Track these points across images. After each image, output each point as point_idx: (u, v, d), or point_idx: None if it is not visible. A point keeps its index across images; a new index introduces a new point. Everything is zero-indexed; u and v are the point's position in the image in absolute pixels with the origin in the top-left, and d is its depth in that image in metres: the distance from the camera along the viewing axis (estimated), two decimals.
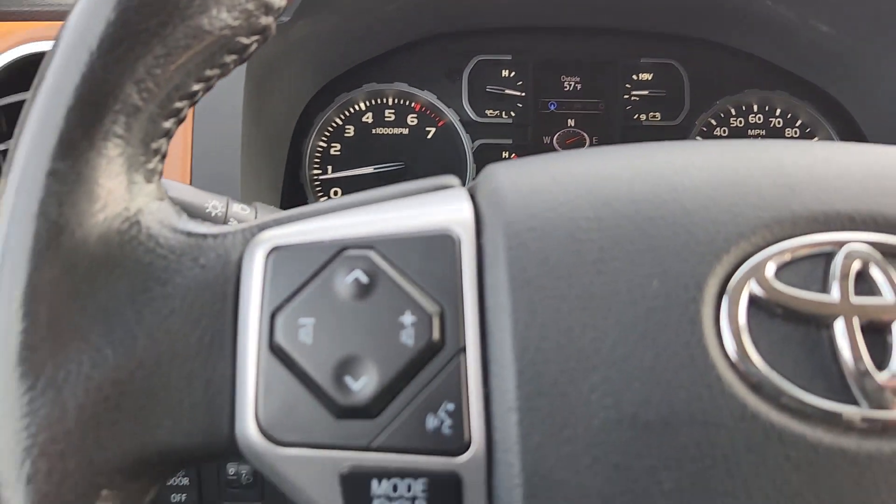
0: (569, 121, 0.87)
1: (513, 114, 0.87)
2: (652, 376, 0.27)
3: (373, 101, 0.86)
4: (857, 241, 0.29)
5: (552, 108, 0.88)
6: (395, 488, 0.28)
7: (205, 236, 0.30)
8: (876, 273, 0.28)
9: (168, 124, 0.31)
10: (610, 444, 0.27)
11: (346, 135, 0.86)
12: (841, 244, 0.28)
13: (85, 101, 0.28)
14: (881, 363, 0.27)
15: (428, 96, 0.86)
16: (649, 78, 0.88)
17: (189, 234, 0.30)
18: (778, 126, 0.87)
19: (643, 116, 0.87)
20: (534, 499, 0.27)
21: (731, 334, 0.27)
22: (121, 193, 0.29)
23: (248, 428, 0.28)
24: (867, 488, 0.26)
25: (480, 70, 0.87)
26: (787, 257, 0.28)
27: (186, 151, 0.65)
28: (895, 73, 0.77)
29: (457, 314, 0.29)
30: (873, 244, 0.28)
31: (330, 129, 0.86)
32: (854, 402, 0.27)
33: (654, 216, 0.29)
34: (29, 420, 0.27)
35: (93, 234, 0.28)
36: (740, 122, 0.87)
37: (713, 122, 0.87)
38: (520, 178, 0.31)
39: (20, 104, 0.66)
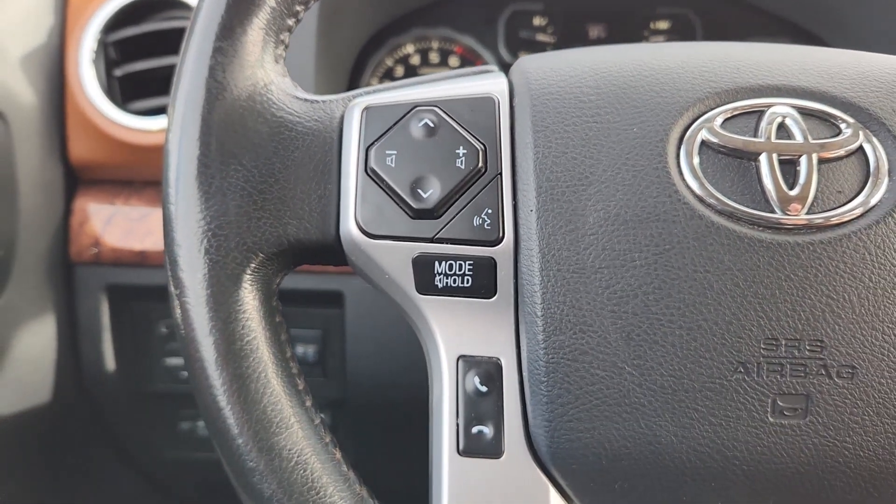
0: None
1: None
2: (630, 189, 0.39)
3: (419, 45, 0.98)
4: (781, 104, 0.40)
5: None
6: (450, 267, 0.40)
7: (316, 101, 0.43)
8: (791, 124, 0.40)
9: (291, 22, 0.43)
10: (600, 234, 0.39)
11: (395, 75, 0.98)
12: (770, 105, 0.40)
13: (239, 1, 0.41)
14: (792, 184, 0.39)
15: (468, 41, 0.97)
16: (667, 26, 0.98)
17: (305, 99, 0.43)
18: None
19: None
20: (547, 273, 0.39)
21: (687, 164, 0.39)
22: (260, 67, 0.42)
23: (350, 226, 0.41)
24: (778, 266, 0.38)
25: (515, 18, 0.98)
26: (731, 114, 0.40)
27: None
28: (889, 28, 0.87)
29: (496, 149, 0.41)
30: (793, 106, 0.40)
31: (382, 70, 0.98)
32: (771, 210, 0.39)
33: (636, 85, 0.41)
34: (204, 213, 0.39)
35: (244, 93, 0.41)
36: None
37: None
38: (541, 61, 0.43)
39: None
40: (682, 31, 0.98)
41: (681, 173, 0.39)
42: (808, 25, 0.96)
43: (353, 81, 0.97)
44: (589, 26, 1.00)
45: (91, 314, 0.83)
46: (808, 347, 0.38)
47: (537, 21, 0.99)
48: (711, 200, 0.39)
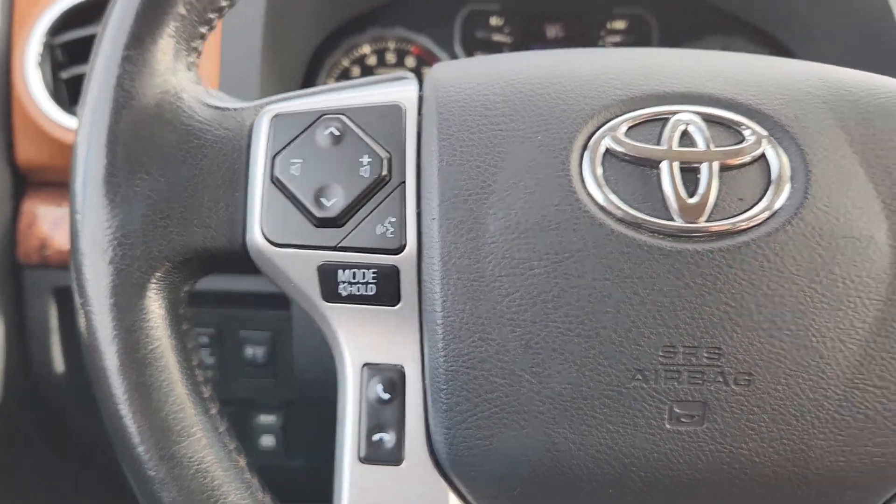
0: None
1: None
2: (531, 198, 0.39)
3: (376, 45, 0.98)
4: (686, 111, 0.40)
5: None
6: (354, 276, 0.40)
7: (227, 109, 0.43)
8: (695, 132, 0.40)
9: (203, 29, 0.43)
10: (501, 242, 0.39)
11: (351, 76, 0.98)
12: (674, 113, 0.40)
13: (149, 9, 0.41)
14: (692, 192, 0.39)
15: (424, 41, 0.97)
16: (623, 26, 0.98)
17: (217, 107, 0.43)
18: None
19: None
20: (447, 282, 0.39)
21: (590, 172, 0.39)
22: (171, 76, 0.42)
23: (255, 235, 0.41)
24: (677, 274, 0.38)
25: (472, 18, 0.98)
26: (635, 122, 0.40)
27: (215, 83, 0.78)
28: (843, 27, 0.87)
29: (401, 158, 0.41)
30: (697, 113, 0.40)
31: (338, 70, 0.98)
32: (671, 218, 0.39)
33: (543, 93, 0.41)
34: (109, 222, 0.39)
35: (153, 101, 0.41)
36: None
37: None
38: (453, 69, 0.43)
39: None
40: (638, 32, 0.98)
41: (583, 181, 0.40)
42: (763, 25, 0.96)
43: (308, 83, 0.96)
44: (546, 26, 1.00)
45: (39, 317, 0.83)
46: (705, 355, 0.38)
47: (494, 21, 0.99)
48: (613, 209, 0.39)
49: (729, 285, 0.38)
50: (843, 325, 0.39)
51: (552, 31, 1.00)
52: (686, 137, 0.40)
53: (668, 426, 0.38)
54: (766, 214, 0.39)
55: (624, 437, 0.38)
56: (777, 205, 0.39)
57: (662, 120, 0.40)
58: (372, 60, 0.98)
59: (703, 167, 0.39)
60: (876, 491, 0.40)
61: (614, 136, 0.40)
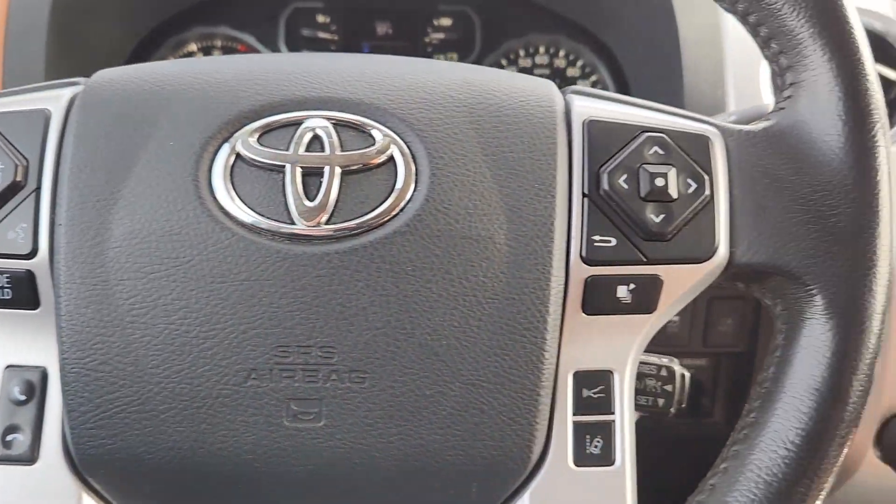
0: None
1: None
2: (158, 203, 0.40)
3: (203, 43, 0.98)
4: (317, 116, 0.41)
5: (366, 50, 1.00)
6: None
7: None
8: (324, 136, 0.41)
9: None
10: (125, 247, 0.40)
11: None
12: (305, 118, 0.41)
13: None
14: (315, 196, 0.40)
15: (249, 39, 0.97)
16: (449, 23, 1.00)
17: None
18: (561, 66, 0.99)
19: (441, 57, 0.99)
20: (71, 286, 0.40)
21: (219, 178, 0.40)
22: None
23: None
24: (294, 276, 0.40)
25: (297, 15, 0.99)
26: (268, 128, 0.41)
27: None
28: (651, 25, 0.89)
29: (39, 165, 0.41)
30: (328, 118, 0.41)
31: None
32: (293, 222, 0.40)
33: (182, 98, 0.42)
34: None
35: None
36: (528, 61, 0.99)
37: (503, 62, 0.99)
38: (109, 74, 0.44)
39: None
40: (462, 29, 1.00)
41: (211, 187, 0.40)
42: (583, 23, 0.98)
43: None
44: (375, 24, 1.00)
45: None
46: (318, 354, 0.39)
47: (321, 18, 0.99)
48: (239, 214, 0.40)
49: (344, 286, 0.39)
50: (460, 324, 0.40)
51: (382, 29, 1.00)
52: (316, 142, 0.41)
53: (286, 423, 0.40)
54: (387, 217, 0.40)
55: (245, 434, 0.39)
56: (399, 207, 0.40)
57: (295, 125, 0.41)
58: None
59: (326, 171, 0.40)
60: (499, 484, 0.41)
61: (245, 141, 0.41)
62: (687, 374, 0.51)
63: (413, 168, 0.41)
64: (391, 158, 0.41)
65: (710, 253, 0.42)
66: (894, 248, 0.43)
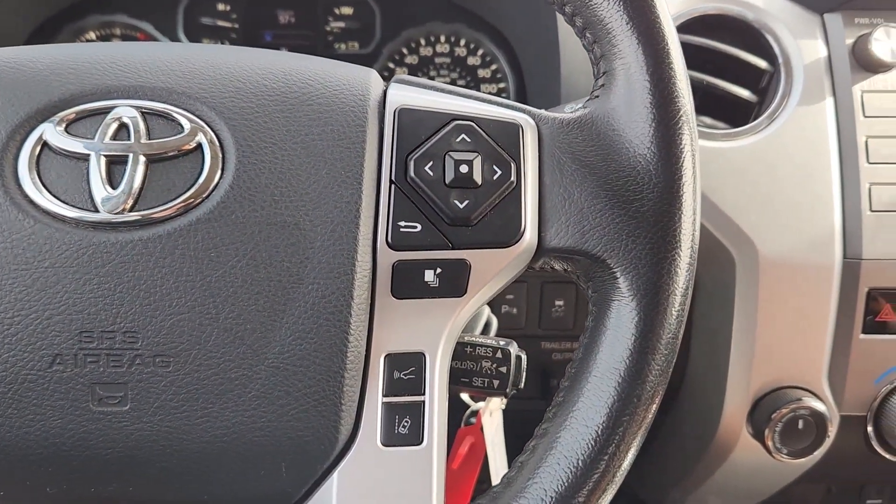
0: (281, 49, 0.99)
1: (227, 43, 0.99)
2: None
3: (102, 31, 0.98)
4: (126, 104, 0.42)
5: (268, 38, 1.00)
6: None
7: None
8: (131, 125, 0.41)
9: None
10: None
11: None
12: (113, 107, 0.42)
13: None
14: (119, 184, 0.41)
15: (147, 27, 0.97)
16: (350, 12, 1.00)
17: None
18: (462, 55, 1.00)
19: (342, 46, 1.00)
20: None
21: (25, 167, 0.41)
22: None
23: None
24: (98, 264, 0.40)
25: (197, 4, 0.99)
26: (77, 116, 0.42)
27: None
28: (536, 15, 0.90)
29: None
30: (136, 107, 0.42)
31: None
32: (97, 210, 0.40)
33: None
34: None
35: None
36: (429, 50, 1.00)
37: (404, 50, 1.00)
38: None
39: None
40: (363, 18, 1.00)
41: (16, 176, 0.41)
42: (479, 12, 0.99)
43: None
44: (277, 12, 1.01)
45: None
46: (122, 339, 0.40)
47: (221, 7, 0.99)
48: (42, 202, 0.40)
49: (148, 272, 0.40)
50: (265, 308, 0.41)
51: (284, 17, 1.01)
52: (123, 130, 0.42)
53: (94, 407, 0.40)
54: (192, 204, 0.41)
55: (52, 419, 0.40)
56: (203, 195, 0.41)
57: (103, 114, 0.42)
58: None
59: (130, 159, 0.41)
60: (308, 464, 0.42)
61: (53, 130, 0.41)
62: (523, 356, 0.53)
63: (220, 156, 0.42)
64: (199, 146, 0.42)
65: (517, 238, 0.43)
66: (696, 233, 0.44)
